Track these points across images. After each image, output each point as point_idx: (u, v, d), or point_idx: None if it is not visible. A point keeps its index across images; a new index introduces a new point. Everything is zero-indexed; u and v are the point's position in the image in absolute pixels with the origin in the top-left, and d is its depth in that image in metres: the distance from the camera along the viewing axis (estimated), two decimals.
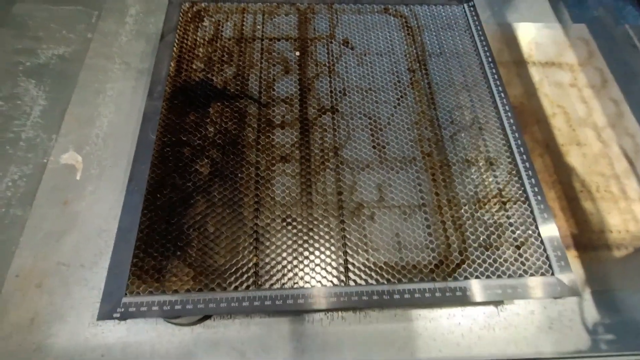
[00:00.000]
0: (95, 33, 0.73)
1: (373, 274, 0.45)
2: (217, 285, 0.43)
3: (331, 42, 0.65)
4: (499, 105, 0.59)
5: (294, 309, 0.42)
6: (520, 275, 0.45)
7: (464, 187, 0.52)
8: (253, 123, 0.56)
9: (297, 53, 0.64)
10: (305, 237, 0.47)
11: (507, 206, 0.50)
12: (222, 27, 0.65)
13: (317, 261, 0.46)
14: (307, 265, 0.45)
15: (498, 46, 0.77)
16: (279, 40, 0.65)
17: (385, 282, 0.44)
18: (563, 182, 0.61)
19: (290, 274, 0.45)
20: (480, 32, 0.67)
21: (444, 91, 0.61)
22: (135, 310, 0.41)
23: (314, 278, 0.44)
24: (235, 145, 0.53)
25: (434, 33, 0.68)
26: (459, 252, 0.47)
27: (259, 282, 0.44)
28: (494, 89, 0.61)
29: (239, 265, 0.45)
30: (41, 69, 0.69)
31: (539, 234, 0.48)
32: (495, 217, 0.49)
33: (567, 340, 0.49)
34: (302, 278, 0.44)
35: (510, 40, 0.78)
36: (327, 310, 0.49)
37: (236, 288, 0.43)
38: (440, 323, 0.49)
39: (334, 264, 0.46)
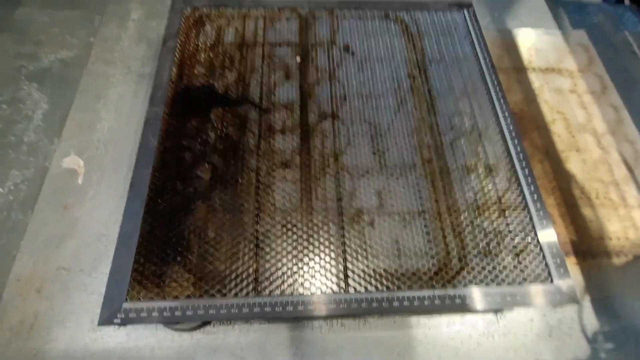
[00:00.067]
0: (97, 37, 0.74)
1: (372, 280, 0.45)
2: (217, 292, 0.43)
3: (332, 48, 0.66)
4: (499, 111, 0.60)
5: (294, 315, 0.42)
6: (520, 283, 0.46)
7: (463, 194, 0.52)
8: (254, 128, 0.56)
9: (298, 58, 0.64)
10: (305, 243, 0.47)
11: (507, 213, 0.50)
12: (224, 32, 0.66)
13: (317, 267, 0.46)
14: (307, 272, 0.45)
15: (498, 52, 0.77)
16: (280, 45, 0.65)
17: (385, 289, 0.44)
18: (563, 189, 0.61)
19: (290, 280, 0.45)
20: (480, 38, 0.68)
21: (444, 97, 0.61)
22: (136, 316, 0.41)
23: (313, 285, 0.45)
24: (236, 151, 0.54)
25: (434, 39, 0.68)
26: (458, 259, 0.47)
27: (259, 289, 0.44)
28: (494, 95, 0.61)
29: (239, 271, 0.45)
30: (44, 73, 0.69)
31: (538, 242, 0.48)
32: (495, 224, 0.50)
33: (566, 347, 0.49)
34: (301, 284, 0.45)
35: (510, 47, 0.78)
36: (326, 318, 0.49)
37: (236, 294, 0.43)
38: (439, 330, 0.49)
39: (333, 270, 0.46)
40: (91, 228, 0.54)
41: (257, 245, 0.47)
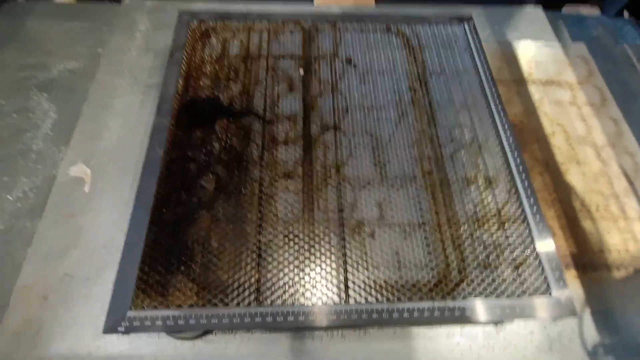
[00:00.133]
0: (105, 48, 0.76)
1: (373, 291, 0.46)
2: (219, 301, 0.44)
3: (334, 61, 0.67)
4: (499, 123, 0.60)
5: (295, 326, 0.43)
6: (519, 295, 0.46)
7: (463, 206, 0.53)
8: (257, 140, 0.57)
9: (301, 71, 0.65)
10: (307, 254, 0.48)
11: (506, 226, 0.51)
12: (229, 45, 0.67)
13: (318, 278, 0.46)
14: (308, 282, 0.46)
15: (498, 64, 0.78)
16: (283, 58, 0.67)
17: (385, 301, 0.45)
18: (562, 201, 0.62)
19: (292, 290, 0.45)
20: (480, 51, 0.69)
21: (444, 110, 0.62)
22: (140, 325, 0.42)
23: (314, 295, 0.45)
24: (240, 162, 0.55)
25: (434, 52, 0.69)
26: (458, 271, 0.48)
27: (261, 299, 0.45)
28: (494, 107, 0.62)
29: (242, 280, 0.46)
30: (53, 83, 0.71)
31: (537, 254, 0.49)
32: (494, 237, 0.50)
33: None
34: (302, 294, 0.45)
35: (510, 59, 0.79)
36: (327, 329, 0.49)
37: (238, 304, 0.44)
38: (439, 342, 0.49)
39: (334, 281, 0.46)
40: (97, 236, 0.55)
41: (259, 256, 0.48)
